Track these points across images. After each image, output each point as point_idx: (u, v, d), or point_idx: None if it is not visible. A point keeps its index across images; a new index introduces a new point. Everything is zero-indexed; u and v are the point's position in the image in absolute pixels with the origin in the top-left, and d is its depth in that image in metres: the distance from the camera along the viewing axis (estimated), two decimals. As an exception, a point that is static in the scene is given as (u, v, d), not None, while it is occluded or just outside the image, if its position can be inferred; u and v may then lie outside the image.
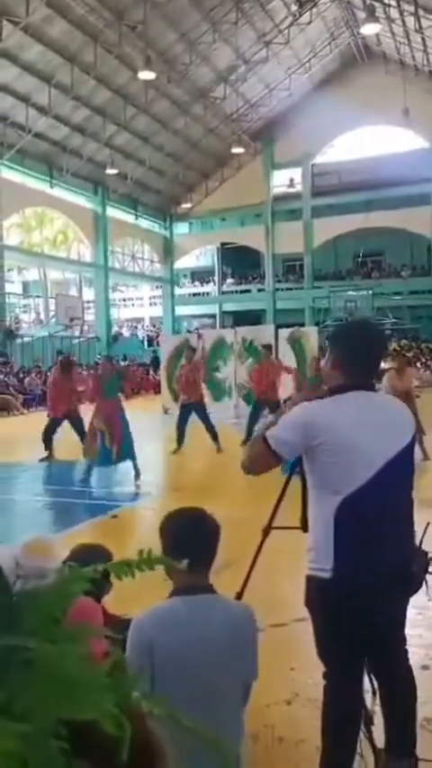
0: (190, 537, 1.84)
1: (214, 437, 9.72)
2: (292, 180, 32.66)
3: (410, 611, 3.16)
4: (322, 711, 2.03)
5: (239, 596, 2.50)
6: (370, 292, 29.48)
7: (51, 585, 0.78)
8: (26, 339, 25.42)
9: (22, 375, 20.79)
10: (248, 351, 14.25)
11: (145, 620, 1.79)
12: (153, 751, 1.10)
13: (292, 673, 2.96)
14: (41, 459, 9.35)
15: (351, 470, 1.91)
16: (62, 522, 6.08)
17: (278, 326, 16.28)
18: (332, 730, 1.99)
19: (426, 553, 2.02)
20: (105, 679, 0.69)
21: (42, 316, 32.82)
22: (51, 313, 29.63)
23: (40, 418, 10.96)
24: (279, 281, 33.90)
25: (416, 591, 2.02)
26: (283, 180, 32.88)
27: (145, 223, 32.62)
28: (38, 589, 0.75)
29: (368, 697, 2.18)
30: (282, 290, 33.43)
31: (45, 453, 9.43)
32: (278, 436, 1.98)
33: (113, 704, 0.68)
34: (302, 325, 23.77)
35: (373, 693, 2.17)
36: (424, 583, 2.00)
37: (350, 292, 30.45)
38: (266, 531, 2.57)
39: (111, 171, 25.88)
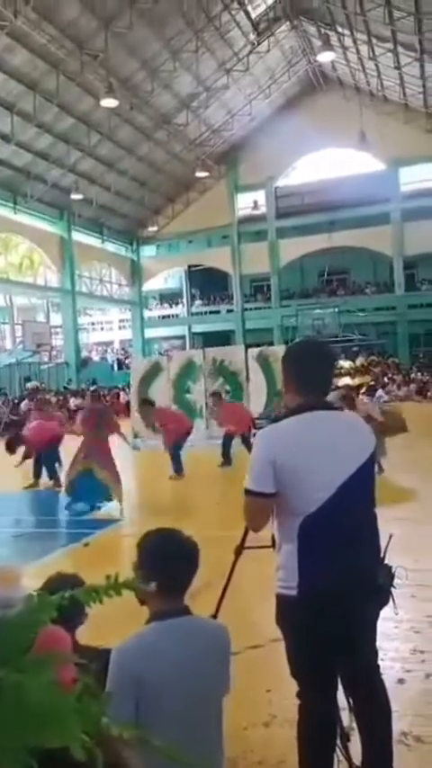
0: (168, 558, 1.83)
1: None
2: (256, 202, 33.21)
3: (385, 625, 3.19)
4: (297, 729, 2.04)
5: (214, 618, 2.49)
6: (336, 310, 29.96)
7: (18, 614, 0.78)
8: (-7, 366, 25.12)
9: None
10: (220, 371, 14.29)
11: (128, 650, 1.77)
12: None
13: (269, 694, 2.95)
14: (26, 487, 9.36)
15: (309, 491, 1.93)
16: (33, 552, 5.96)
17: (248, 346, 16.39)
18: (307, 747, 1.99)
19: (389, 567, 2.05)
20: (73, 705, 0.70)
21: (9, 342, 32.49)
22: (18, 339, 29.35)
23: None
24: (247, 301, 34.26)
25: (384, 604, 2.05)
26: (248, 202, 33.42)
27: (111, 247, 32.70)
28: (4, 618, 0.76)
29: (345, 714, 2.19)
30: (250, 309, 33.78)
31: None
32: (254, 477, 2.00)
33: (82, 730, 0.68)
34: (272, 343, 24.01)
35: (350, 710, 2.18)
36: (391, 596, 2.03)
37: (317, 310, 30.90)
38: (239, 550, 2.58)
39: (76, 196, 25.95)
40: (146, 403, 10.60)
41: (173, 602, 1.83)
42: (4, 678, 0.68)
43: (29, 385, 24.83)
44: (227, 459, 10.40)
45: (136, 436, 13.06)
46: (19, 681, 0.68)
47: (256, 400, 13.88)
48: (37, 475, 9.46)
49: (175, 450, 9.80)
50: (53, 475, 9.38)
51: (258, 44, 24.37)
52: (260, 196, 32.97)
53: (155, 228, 33.43)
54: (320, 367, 2.13)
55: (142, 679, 1.70)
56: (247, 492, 2.00)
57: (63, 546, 6.12)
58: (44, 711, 0.65)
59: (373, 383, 21.22)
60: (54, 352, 29.40)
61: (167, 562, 1.83)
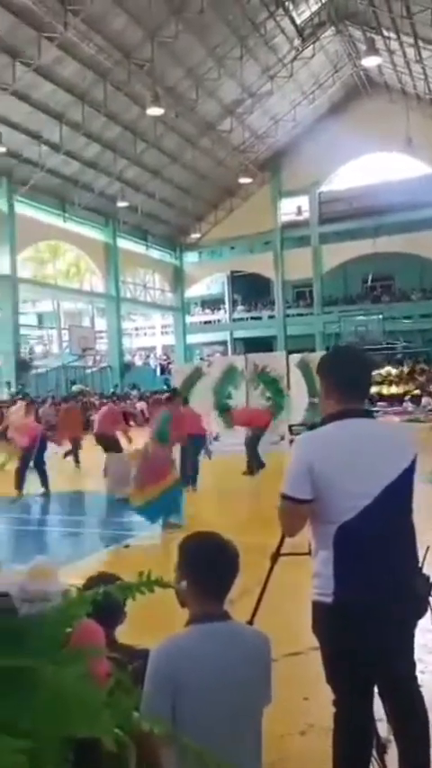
0: (209, 562, 1.84)
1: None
2: (299, 208, 33.07)
3: (426, 636, 3.12)
4: (332, 738, 2.02)
5: (249, 624, 2.49)
6: (380, 316, 29.52)
7: (55, 609, 0.81)
8: (40, 370, 25.68)
9: (36, 406, 20.92)
10: (261, 378, 14.22)
11: (165, 650, 1.78)
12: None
13: (307, 702, 2.93)
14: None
15: (346, 499, 1.92)
16: (76, 551, 6.08)
17: (289, 352, 16.30)
18: (342, 756, 1.97)
19: (427, 577, 2.01)
20: (105, 698, 0.72)
21: (56, 346, 33.19)
22: (65, 344, 29.97)
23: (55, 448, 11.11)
24: (289, 308, 34.09)
25: (422, 615, 2.01)
26: (291, 208, 33.30)
27: (155, 253, 33.08)
28: (42, 612, 0.78)
29: (382, 725, 2.16)
30: (292, 316, 33.60)
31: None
32: (290, 483, 1.99)
33: (115, 723, 0.70)
34: (314, 350, 23.83)
35: (387, 721, 2.15)
36: (429, 606, 1.99)
37: (360, 317, 30.52)
38: (275, 557, 2.57)
39: (122, 203, 26.39)
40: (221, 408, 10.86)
41: (213, 607, 1.84)
42: (41, 670, 0.71)
43: (74, 388, 25.35)
44: (253, 464, 10.15)
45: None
46: (55, 673, 0.71)
47: (296, 407, 13.78)
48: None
49: (251, 446, 9.92)
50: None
51: (303, 50, 24.32)
52: (304, 201, 32.81)
53: (198, 235, 33.67)
54: (359, 373, 2.12)
55: (178, 680, 1.70)
56: (284, 497, 1.99)
57: (105, 547, 6.21)
58: (77, 703, 0.68)
59: (417, 391, 20.82)
60: (98, 357, 29.91)
61: (208, 566, 1.83)
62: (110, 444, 9.37)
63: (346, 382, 2.06)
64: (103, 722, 0.66)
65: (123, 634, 2.37)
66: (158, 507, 6.76)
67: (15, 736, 0.65)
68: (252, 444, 10.38)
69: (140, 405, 23.82)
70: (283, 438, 12.56)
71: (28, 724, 0.67)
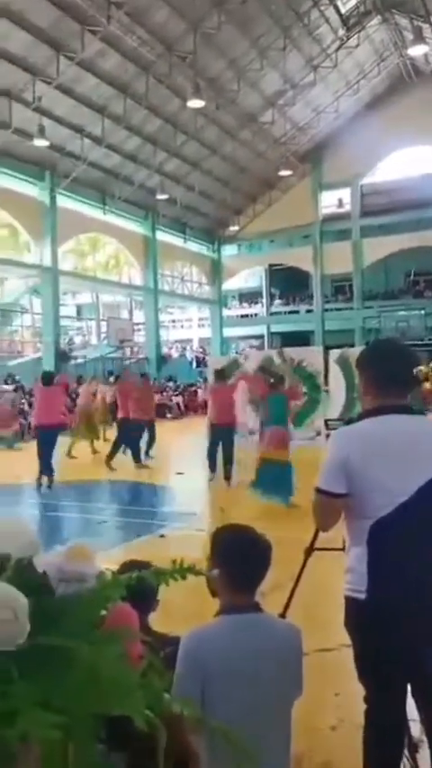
0: (241, 554, 1.85)
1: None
2: (340, 200, 32.64)
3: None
4: (363, 735, 2.01)
5: (282, 617, 2.49)
6: (422, 312, 28.96)
7: (91, 590, 0.83)
8: (79, 360, 26.07)
9: (74, 396, 21.28)
10: (298, 372, 14.10)
11: (196, 637, 1.81)
12: (189, 760, 1.14)
13: (338, 698, 2.92)
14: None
15: (382, 495, 1.90)
16: (113, 539, 6.18)
17: (327, 347, 16.14)
18: (372, 754, 1.95)
19: None
20: (137, 679, 0.74)
21: (94, 338, 33.64)
22: (103, 335, 30.35)
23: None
24: (328, 302, 33.73)
25: None
26: (332, 200, 32.89)
27: (193, 246, 33.14)
28: (78, 593, 0.80)
29: (415, 725, 2.13)
30: (330, 310, 33.24)
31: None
32: (325, 476, 1.98)
33: (146, 705, 0.72)
34: (352, 345, 23.56)
35: (421, 721, 2.12)
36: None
37: (401, 312, 30.00)
38: (308, 551, 2.56)
39: (161, 196, 26.50)
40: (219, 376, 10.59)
41: (244, 598, 1.85)
42: (77, 649, 0.72)
43: (111, 379, 25.64)
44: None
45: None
46: (90, 652, 0.72)
47: (335, 403, 13.65)
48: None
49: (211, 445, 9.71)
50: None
51: (348, 39, 23.94)
52: (345, 194, 32.36)
53: (236, 228, 33.57)
54: (400, 368, 2.07)
55: (208, 667, 1.72)
56: (318, 491, 1.98)
57: (140, 536, 6.28)
58: (111, 682, 0.69)
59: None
60: (136, 348, 30.19)
61: (240, 557, 1.85)
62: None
63: (385, 377, 2.03)
64: (135, 702, 0.67)
65: (156, 622, 2.40)
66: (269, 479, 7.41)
67: (51, 711, 0.67)
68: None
69: (177, 399, 24.03)
70: (318, 434, 12.47)
71: (63, 701, 0.69)
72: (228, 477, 8.95)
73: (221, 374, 10.36)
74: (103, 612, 0.82)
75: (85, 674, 0.70)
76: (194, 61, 20.02)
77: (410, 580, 1.89)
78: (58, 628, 0.75)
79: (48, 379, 9.59)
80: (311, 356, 14.49)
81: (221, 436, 9.15)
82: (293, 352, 14.83)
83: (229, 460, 9.01)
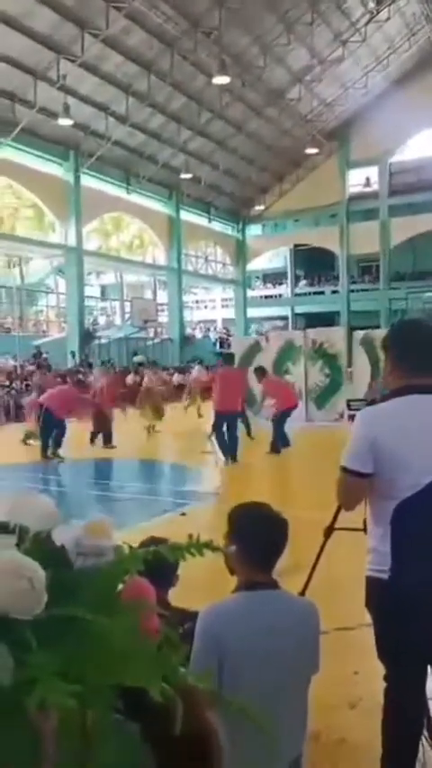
0: (258, 531, 1.86)
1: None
2: (368, 179, 32.06)
3: None
4: (382, 714, 2.01)
5: (301, 595, 2.50)
6: (451, 293, 28.49)
7: (109, 564, 0.84)
8: (103, 340, 26.23)
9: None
10: (319, 354, 14.01)
11: (210, 614, 1.82)
12: (206, 737, 1.16)
13: (357, 677, 2.93)
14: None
15: (408, 475, 1.88)
16: (134, 516, 6.25)
17: (353, 329, 15.99)
18: (391, 734, 1.96)
19: None
20: (153, 652, 0.75)
21: (118, 318, 33.78)
22: (127, 315, 30.45)
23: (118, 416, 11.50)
24: (354, 283, 33.32)
25: None
26: (359, 179, 32.32)
27: (218, 226, 32.92)
28: (96, 567, 0.81)
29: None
30: (356, 291, 32.83)
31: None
32: (351, 455, 1.97)
33: (160, 676, 0.73)
34: (378, 327, 23.28)
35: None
36: None
37: (429, 293, 29.51)
38: (328, 531, 2.56)
39: (185, 175, 26.31)
40: (257, 371, 10.61)
41: (261, 575, 1.86)
42: (94, 621, 0.73)
43: (135, 359, 25.79)
44: (277, 443, 9.66)
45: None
46: (106, 624, 0.73)
47: (359, 385, 13.55)
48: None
49: (277, 425, 9.72)
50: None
51: (378, 12, 23.28)
52: (372, 173, 31.76)
53: (261, 207, 33.22)
54: (425, 347, 2.04)
55: (224, 642, 1.74)
56: (343, 470, 1.97)
57: (162, 513, 6.35)
58: (126, 654, 0.70)
59: None
60: (159, 329, 30.25)
61: (257, 534, 1.86)
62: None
63: (411, 356, 2.00)
64: (150, 674, 0.68)
65: (177, 597, 2.43)
66: None
67: (68, 681, 0.68)
68: (278, 422, 9.91)
69: (177, 377, 23.61)
70: (342, 416, 12.40)
71: (79, 671, 0.70)
72: (234, 458, 9.11)
73: (230, 358, 10.30)
74: (121, 585, 0.83)
75: (101, 646, 0.71)
76: (220, 37, 19.70)
77: None
78: (75, 599, 0.76)
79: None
80: (333, 337, 14.38)
81: (227, 422, 9.18)
82: (315, 334, 14.71)
83: (234, 442, 9.14)
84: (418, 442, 1.89)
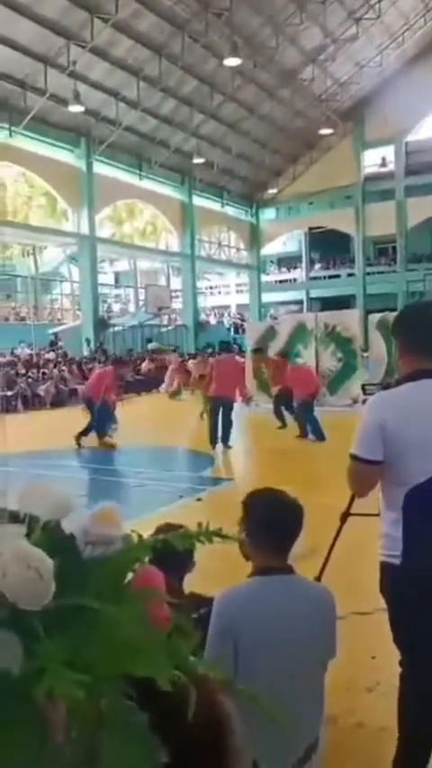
0: (272, 517, 1.86)
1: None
2: (384, 159, 31.57)
3: None
4: (398, 699, 2.01)
5: (317, 581, 2.50)
6: (469, 275, 28.07)
7: (118, 552, 0.83)
8: (117, 328, 26.29)
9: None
10: (332, 337, 13.76)
11: (225, 599, 1.83)
12: (220, 723, 1.15)
13: (374, 661, 2.93)
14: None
15: (419, 461, 1.86)
16: (151, 503, 6.29)
17: (369, 312, 15.82)
18: (407, 718, 1.96)
19: None
20: (161, 640, 0.74)
21: (132, 305, 33.80)
22: (141, 302, 30.45)
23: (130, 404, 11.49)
24: (370, 265, 32.94)
25: None
26: (375, 159, 31.83)
27: (231, 210, 32.69)
28: (105, 555, 0.81)
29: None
30: (372, 274, 32.47)
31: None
32: (361, 443, 1.96)
33: (170, 665, 0.72)
34: (395, 309, 23.05)
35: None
36: None
37: (447, 275, 29.13)
38: (344, 517, 2.55)
39: (197, 160, 26.10)
40: (255, 352, 10.49)
41: (276, 560, 1.86)
42: (102, 610, 0.73)
43: (150, 346, 25.84)
44: (305, 429, 9.63)
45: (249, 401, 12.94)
46: (114, 613, 0.73)
47: (375, 369, 13.43)
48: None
49: (303, 413, 9.62)
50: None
51: (392, -13, 22.81)
52: (388, 152, 31.25)
53: (275, 191, 32.89)
54: None
55: (239, 629, 1.75)
56: (353, 457, 1.96)
57: (178, 499, 6.38)
58: (133, 643, 0.69)
59: None
60: (174, 315, 30.23)
61: (273, 520, 1.86)
62: None
63: (420, 340, 1.96)
64: (158, 663, 0.67)
65: (194, 584, 2.44)
66: None
67: (75, 670, 0.68)
68: (304, 411, 9.86)
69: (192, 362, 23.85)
70: (355, 401, 12.26)
71: (88, 660, 0.70)
72: (226, 442, 9.13)
73: (228, 345, 10.29)
74: (130, 574, 0.83)
75: (109, 635, 0.71)
76: (231, 18, 19.43)
77: None
78: (83, 589, 0.76)
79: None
80: (347, 320, 14.05)
81: (222, 408, 9.14)
82: (327, 317, 14.49)
83: (227, 429, 9.13)
84: (428, 428, 1.86)
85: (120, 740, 0.73)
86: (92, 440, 10.13)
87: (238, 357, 11.23)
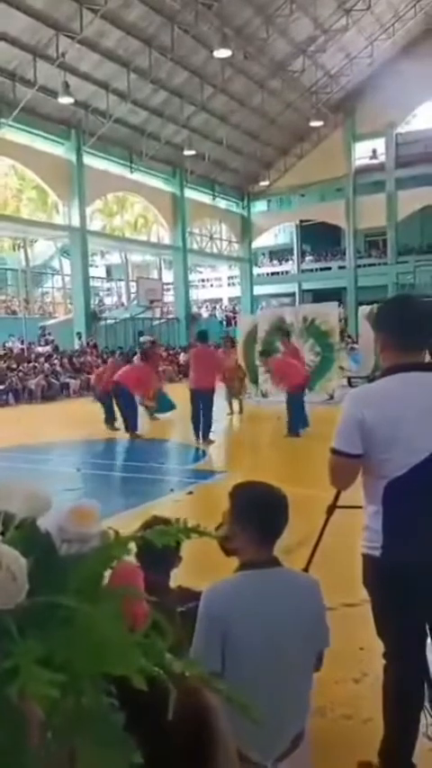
0: (259, 508, 1.86)
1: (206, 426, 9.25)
2: (374, 151, 31.54)
3: None
4: (382, 690, 2.03)
5: (305, 572, 2.51)
6: (459, 266, 28.14)
7: (94, 550, 0.83)
8: (109, 321, 26.20)
9: (105, 356, 21.49)
10: (310, 332, 13.39)
11: (213, 594, 1.82)
12: (207, 725, 1.15)
13: (361, 653, 2.95)
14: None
15: (397, 454, 1.87)
16: (141, 495, 6.29)
17: (360, 304, 15.81)
18: (392, 710, 1.98)
19: None
20: (136, 638, 0.74)
21: (124, 298, 33.69)
22: (133, 295, 30.36)
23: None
24: (361, 257, 32.98)
25: None
26: (366, 151, 31.80)
27: (222, 203, 32.59)
28: (81, 553, 0.80)
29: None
30: (363, 266, 32.51)
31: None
32: (341, 437, 1.96)
33: (140, 663, 0.72)
34: (385, 302, 23.03)
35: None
36: None
37: (438, 267, 29.17)
38: (331, 509, 2.56)
39: (188, 152, 25.99)
40: (225, 340, 10.44)
41: (263, 553, 1.86)
42: (77, 608, 0.73)
43: (143, 339, 25.78)
44: (295, 425, 9.40)
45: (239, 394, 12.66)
46: (89, 611, 0.73)
47: (365, 361, 13.43)
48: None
49: (292, 405, 9.46)
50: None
51: (382, -22, 22.72)
52: (379, 144, 31.23)
53: (266, 183, 32.82)
54: (416, 324, 2.00)
55: (227, 624, 1.74)
56: (333, 451, 1.97)
57: (169, 492, 6.38)
58: (107, 641, 0.69)
59: None
60: (165, 309, 30.16)
61: (259, 512, 1.86)
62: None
63: (400, 334, 1.97)
64: (131, 661, 0.67)
65: (183, 578, 2.45)
66: None
67: (51, 668, 0.68)
68: (292, 402, 9.66)
69: (183, 357, 23.60)
70: (332, 397, 12.11)
71: (63, 659, 0.70)
72: (205, 437, 9.07)
73: (203, 336, 10.00)
74: (107, 571, 0.82)
75: (84, 633, 0.71)
76: (221, 9, 19.32)
77: (425, 537, 1.88)
78: (59, 587, 0.75)
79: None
80: (326, 313, 13.69)
81: (200, 400, 9.11)
82: (307, 311, 14.26)
83: (207, 422, 9.08)
84: (407, 422, 1.87)
85: (96, 741, 0.73)
86: (96, 431, 10.12)
87: (215, 348, 11.19)
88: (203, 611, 1.79)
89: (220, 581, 1.87)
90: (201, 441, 9.07)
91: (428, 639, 2.00)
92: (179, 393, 11.02)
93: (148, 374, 10.37)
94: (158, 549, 1.19)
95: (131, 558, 1.04)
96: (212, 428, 9.22)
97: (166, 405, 11.17)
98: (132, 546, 0.95)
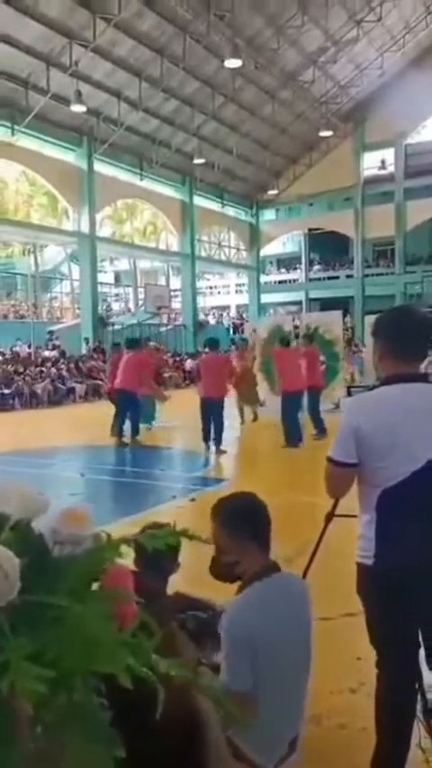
0: (249, 517, 1.91)
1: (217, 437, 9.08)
2: (383, 161, 31.60)
3: None
4: (375, 699, 2.04)
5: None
6: (467, 277, 28.10)
7: (86, 552, 0.86)
8: (117, 327, 26.29)
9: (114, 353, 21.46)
10: (314, 340, 13.13)
11: (239, 609, 1.82)
12: (199, 727, 1.18)
13: (359, 662, 2.95)
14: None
15: (392, 464, 1.88)
16: (144, 501, 6.31)
17: (367, 313, 15.79)
18: (384, 719, 1.99)
19: None
20: (123, 638, 0.77)
21: (132, 304, 33.80)
22: (140, 302, 30.46)
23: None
24: (369, 267, 32.99)
25: None
26: (375, 162, 31.87)
27: (231, 211, 32.71)
28: (74, 554, 0.83)
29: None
30: (371, 275, 32.52)
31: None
32: (337, 446, 1.98)
33: (126, 662, 0.75)
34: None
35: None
36: None
37: (445, 277, 29.16)
38: (329, 517, 2.58)
39: (198, 161, 26.13)
40: (208, 342, 10.14)
41: (265, 560, 1.90)
42: (68, 608, 0.75)
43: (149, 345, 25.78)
44: (290, 436, 9.13)
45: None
46: (79, 610, 0.75)
47: (370, 370, 13.39)
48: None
49: (283, 412, 9.24)
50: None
51: (393, -10, 22.84)
52: (388, 155, 31.29)
53: (275, 192, 32.93)
54: (414, 335, 2.01)
55: (255, 640, 1.75)
56: (329, 460, 1.99)
57: (171, 499, 6.39)
58: (96, 640, 0.72)
59: None
60: (173, 315, 30.24)
61: (251, 520, 1.91)
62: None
63: (398, 344, 1.98)
64: (119, 660, 0.70)
65: (183, 584, 2.46)
66: None
67: (41, 665, 0.70)
68: (283, 409, 9.37)
69: (190, 363, 23.74)
70: (337, 406, 12.05)
71: (53, 656, 0.73)
72: (218, 447, 8.96)
73: (214, 343, 9.72)
74: (99, 573, 0.86)
75: (74, 632, 0.74)
76: (232, 19, 19.46)
77: (419, 546, 1.89)
78: (52, 587, 0.78)
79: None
80: (329, 322, 13.44)
81: (211, 409, 8.99)
82: (312, 319, 14.18)
83: (218, 431, 8.97)
84: (402, 431, 1.88)
85: (84, 736, 0.76)
86: (101, 436, 10.13)
87: (226, 355, 11.11)
88: (229, 635, 1.78)
89: (237, 601, 1.87)
90: (212, 450, 8.93)
91: (421, 649, 2.01)
92: (187, 400, 11.03)
93: (145, 358, 10.13)
94: (155, 555, 1.23)
95: (129, 563, 1.06)
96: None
97: (148, 415, 10.87)
98: (130, 551, 0.98)
